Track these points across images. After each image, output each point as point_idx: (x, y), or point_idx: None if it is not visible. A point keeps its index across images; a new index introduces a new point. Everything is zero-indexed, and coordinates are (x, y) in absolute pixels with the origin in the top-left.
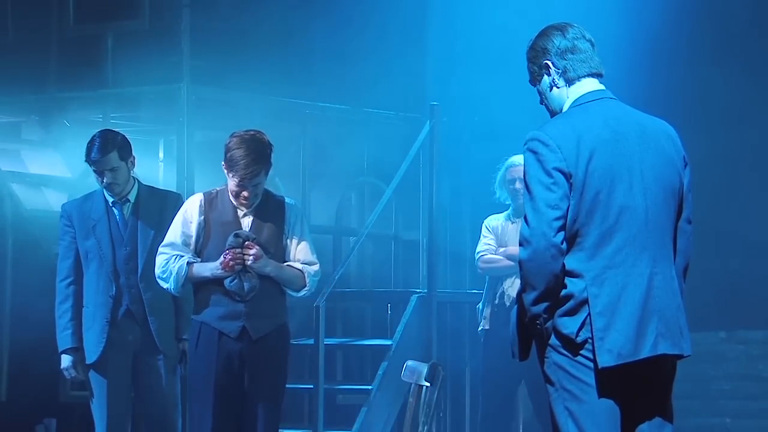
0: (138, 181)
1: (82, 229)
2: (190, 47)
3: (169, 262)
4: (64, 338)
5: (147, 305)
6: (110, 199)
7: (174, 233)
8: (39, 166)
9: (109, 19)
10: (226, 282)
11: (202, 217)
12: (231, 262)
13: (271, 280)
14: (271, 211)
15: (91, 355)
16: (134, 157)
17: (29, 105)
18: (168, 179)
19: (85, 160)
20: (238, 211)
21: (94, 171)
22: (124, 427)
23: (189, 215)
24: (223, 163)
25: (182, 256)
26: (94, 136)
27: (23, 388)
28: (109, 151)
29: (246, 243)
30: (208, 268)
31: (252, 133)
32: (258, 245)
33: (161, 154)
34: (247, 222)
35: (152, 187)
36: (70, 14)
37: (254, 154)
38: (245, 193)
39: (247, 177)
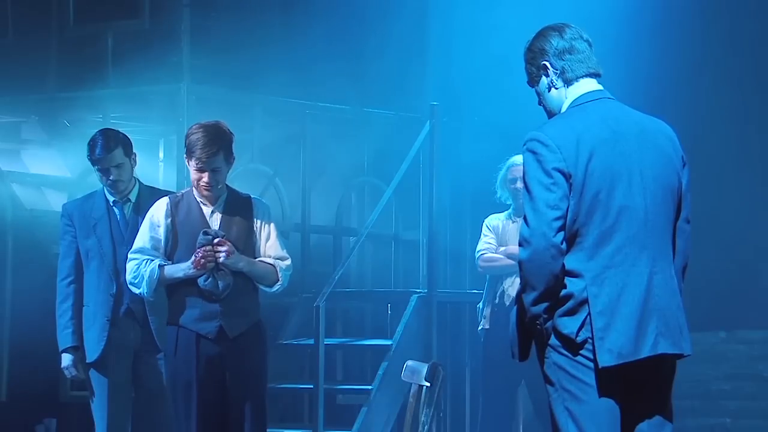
0: (139, 181)
1: (83, 228)
2: (190, 47)
3: (140, 266)
4: (64, 337)
5: (147, 304)
6: (111, 199)
7: (142, 239)
8: (39, 166)
9: (109, 19)
10: (200, 281)
11: (169, 220)
12: (203, 260)
13: (244, 277)
14: (238, 208)
15: (92, 353)
16: (136, 155)
17: (29, 105)
18: (168, 179)
19: (89, 159)
20: (205, 210)
21: (98, 169)
22: (124, 427)
23: (156, 219)
24: (185, 156)
25: (153, 260)
26: (95, 134)
27: (23, 388)
28: (113, 148)
29: (217, 240)
30: (180, 269)
31: (211, 122)
32: (228, 242)
33: (161, 154)
34: (215, 221)
35: (153, 187)
36: (70, 14)
37: (211, 136)
38: (205, 178)
39: (204, 156)
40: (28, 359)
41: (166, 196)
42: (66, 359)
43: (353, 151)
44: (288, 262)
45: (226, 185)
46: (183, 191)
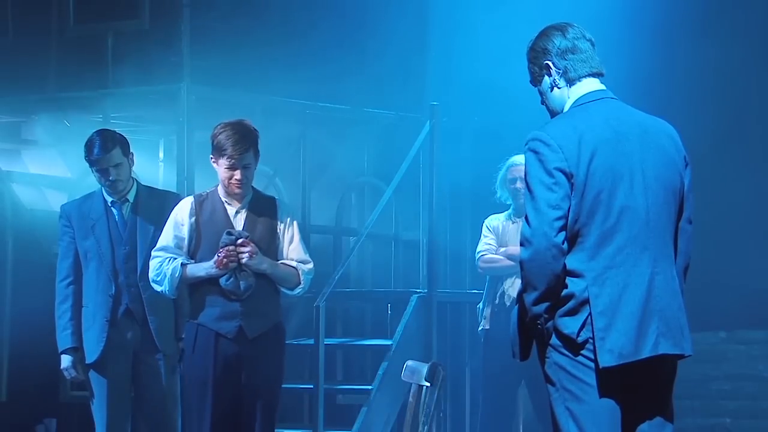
0: (137, 181)
1: (81, 229)
2: (190, 47)
3: (163, 264)
4: (63, 338)
5: (146, 304)
6: (109, 199)
7: (166, 237)
8: (39, 166)
9: (109, 19)
10: (222, 281)
11: (193, 219)
12: (225, 260)
13: (266, 278)
14: (263, 209)
15: (91, 354)
16: (133, 154)
17: (29, 105)
18: (168, 179)
19: (87, 160)
20: (230, 210)
21: (97, 170)
22: (124, 427)
23: (180, 218)
24: (211, 156)
25: (176, 258)
26: (92, 135)
27: (23, 388)
28: (111, 148)
29: (240, 241)
30: (202, 268)
31: (236, 120)
32: (251, 243)
33: (161, 154)
34: (239, 221)
35: (151, 187)
36: (70, 14)
37: (240, 134)
38: (237, 176)
39: (236, 154)
40: (28, 359)
41: (191, 195)
42: (65, 360)
43: (353, 151)
44: (310, 265)
45: (252, 186)
46: (208, 190)
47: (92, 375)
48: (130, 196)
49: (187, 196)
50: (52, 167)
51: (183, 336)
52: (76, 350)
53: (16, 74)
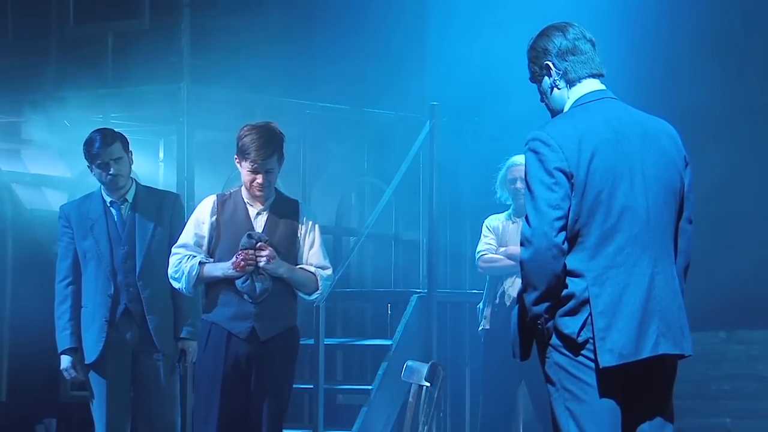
0: (135, 181)
1: (81, 229)
2: (190, 47)
3: (182, 261)
4: (63, 339)
5: (145, 304)
6: (108, 199)
7: (187, 235)
8: (39, 166)
9: (109, 19)
10: (238, 283)
11: (214, 218)
12: (242, 263)
13: (283, 281)
14: (284, 212)
15: (91, 354)
16: (132, 153)
17: (29, 105)
18: (168, 179)
19: (88, 156)
20: (251, 211)
21: (98, 165)
22: (123, 427)
23: (201, 216)
24: (235, 157)
25: (195, 256)
26: (91, 133)
27: (23, 388)
28: (111, 142)
29: (258, 244)
30: (219, 268)
31: (263, 122)
32: (270, 246)
33: (161, 154)
34: (260, 223)
35: (149, 187)
36: (70, 14)
37: (265, 138)
38: (259, 180)
39: (260, 158)
40: (28, 359)
41: (215, 194)
42: (65, 361)
43: (353, 151)
44: (329, 271)
45: (275, 189)
46: (232, 190)
47: (92, 375)
48: (129, 196)
49: (190, 195)
50: (52, 167)
51: (183, 335)
52: (76, 350)
53: (16, 74)
